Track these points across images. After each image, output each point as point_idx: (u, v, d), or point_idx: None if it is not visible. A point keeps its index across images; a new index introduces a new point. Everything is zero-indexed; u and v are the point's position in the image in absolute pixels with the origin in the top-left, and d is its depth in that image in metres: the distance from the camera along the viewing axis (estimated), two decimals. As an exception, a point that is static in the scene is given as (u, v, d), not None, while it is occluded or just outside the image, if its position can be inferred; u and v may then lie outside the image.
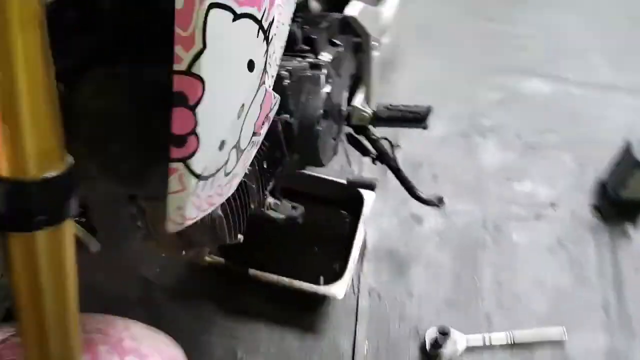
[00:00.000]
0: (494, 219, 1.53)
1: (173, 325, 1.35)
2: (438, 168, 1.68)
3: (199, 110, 0.51)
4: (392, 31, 1.33)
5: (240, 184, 0.88)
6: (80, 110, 0.66)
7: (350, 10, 1.10)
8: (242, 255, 1.37)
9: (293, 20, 1.01)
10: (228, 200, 0.85)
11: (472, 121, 1.82)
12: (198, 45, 0.48)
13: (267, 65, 0.62)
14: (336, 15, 1.11)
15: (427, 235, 1.51)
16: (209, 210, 0.61)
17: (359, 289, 1.41)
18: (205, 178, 0.56)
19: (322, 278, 1.35)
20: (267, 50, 0.59)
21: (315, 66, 1.00)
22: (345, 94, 1.10)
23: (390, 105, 1.20)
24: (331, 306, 1.37)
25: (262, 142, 0.94)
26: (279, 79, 0.92)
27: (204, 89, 0.50)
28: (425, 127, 1.20)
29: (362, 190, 1.50)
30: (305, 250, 1.45)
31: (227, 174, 0.61)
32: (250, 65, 0.56)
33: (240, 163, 0.64)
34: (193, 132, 0.52)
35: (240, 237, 0.94)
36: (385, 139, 1.31)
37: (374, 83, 1.25)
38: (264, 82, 0.61)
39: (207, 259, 1.34)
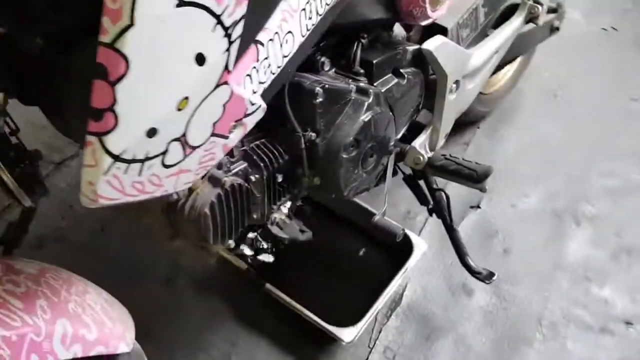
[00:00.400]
0: (553, 317, 1.32)
1: (183, 312, 1.36)
2: (513, 243, 1.50)
3: (120, 88, 0.48)
4: (485, 79, 1.21)
5: (240, 190, 0.85)
6: (77, 75, 0.67)
7: (428, 43, 1.01)
8: (267, 268, 1.33)
9: (356, 40, 0.96)
10: (220, 201, 0.82)
11: (572, 203, 1.61)
12: (125, 20, 0.45)
13: (239, 66, 0.58)
14: (411, 45, 1.03)
15: (472, 310, 1.35)
16: (141, 198, 0.58)
17: (375, 343, 1.30)
18: (127, 161, 0.52)
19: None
20: (228, 49, 0.54)
21: (362, 91, 0.94)
22: (394, 129, 1.01)
23: (450, 155, 1.09)
24: (340, 349, 1.28)
25: (279, 155, 0.90)
26: (309, 94, 0.87)
27: (127, 68, 0.47)
28: (482, 190, 1.07)
29: (415, 239, 1.40)
30: (335, 283, 1.37)
31: (167, 166, 0.57)
32: (200, 59, 0.52)
33: (191, 160, 0.60)
34: (111, 109, 0.49)
35: (230, 242, 0.90)
36: (441, 190, 1.20)
37: (444, 127, 1.14)
38: (225, 82, 0.56)
39: (230, 259, 1.32)
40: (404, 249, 1.40)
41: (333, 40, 0.95)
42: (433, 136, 1.14)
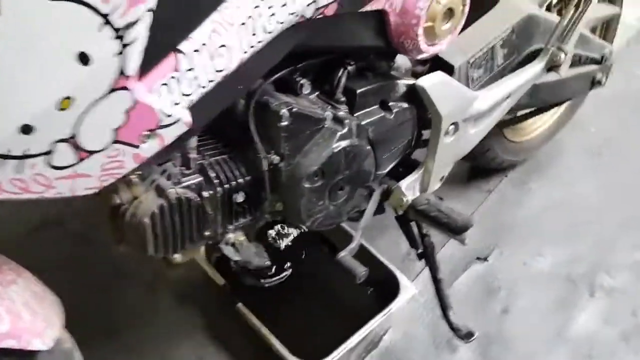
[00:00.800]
0: (539, 392, 1.21)
1: (157, 319, 1.34)
2: (515, 303, 1.39)
3: None
4: (492, 125, 1.12)
5: (188, 204, 0.82)
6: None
7: (424, 79, 0.95)
8: (245, 286, 1.29)
9: (342, 65, 0.92)
10: (162, 212, 0.80)
11: (591, 271, 1.47)
12: (-11, 9, 0.44)
13: (152, 74, 0.55)
14: (406, 79, 0.97)
15: (452, 367, 1.26)
16: (27, 196, 0.56)
17: (340, 384, 1.22)
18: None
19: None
20: (122, 52, 0.51)
21: (338, 120, 0.89)
22: (373, 165, 0.96)
23: (435, 201, 1.01)
24: (302, 384, 1.22)
25: (240, 174, 0.87)
26: (274, 115, 0.83)
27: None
28: (462, 242, 0.99)
29: (403, 280, 1.32)
30: (315, 315, 1.31)
31: (57, 168, 0.55)
32: (84, 59, 0.49)
33: (90, 165, 0.57)
34: (-30, 98, 0.47)
35: (176, 256, 0.87)
36: (428, 236, 1.12)
37: (438, 169, 1.07)
38: (124, 88, 0.54)
39: (208, 272, 1.29)
40: (394, 290, 1.33)
41: (316, 63, 0.90)
42: (425, 177, 1.07)
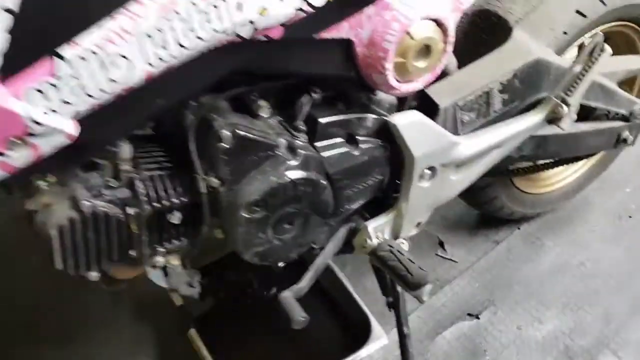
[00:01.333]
0: None
1: (110, 332, 1.28)
2: (502, 370, 1.26)
3: None
4: (480, 173, 1.01)
5: (106, 220, 0.76)
6: None
7: (397, 117, 0.86)
8: (204, 313, 1.22)
9: (307, 92, 0.84)
10: (72, 225, 0.74)
11: (594, 347, 1.32)
12: None
13: (17, 78, 0.49)
14: (378, 115, 0.89)
15: None
16: None
17: None
18: None
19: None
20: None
21: (291, 150, 0.81)
22: (330, 200, 0.87)
23: (398, 250, 0.91)
24: None
25: (176, 194, 0.81)
26: (214, 136, 0.76)
27: None
28: (419, 300, 0.88)
29: (375, 327, 1.22)
30: (275, 352, 1.23)
31: None
32: None
33: None
34: None
35: (92, 274, 0.81)
36: (393, 285, 1.02)
37: (413, 214, 0.97)
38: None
39: (169, 291, 1.23)
40: (365, 336, 1.23)
41: (278, 85, 0.83)
42: (396, 221, 0.97)
